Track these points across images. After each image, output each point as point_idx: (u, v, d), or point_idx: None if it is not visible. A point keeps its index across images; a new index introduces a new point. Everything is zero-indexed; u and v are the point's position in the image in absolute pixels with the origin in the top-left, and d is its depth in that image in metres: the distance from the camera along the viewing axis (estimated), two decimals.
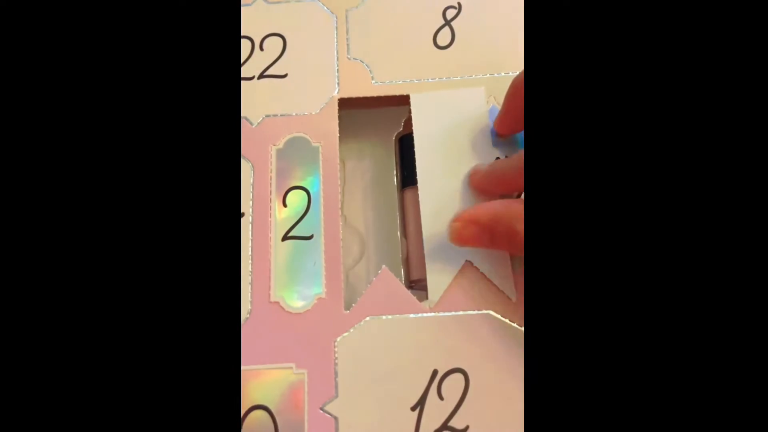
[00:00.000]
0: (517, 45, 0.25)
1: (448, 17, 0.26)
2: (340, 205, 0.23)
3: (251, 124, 0.25)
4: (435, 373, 0.21)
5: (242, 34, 0.26)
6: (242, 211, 0.23)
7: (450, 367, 0.21)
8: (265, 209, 0.23)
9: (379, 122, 0.27)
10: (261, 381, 0.21)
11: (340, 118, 0.25)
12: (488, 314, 0.22)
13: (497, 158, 0.23)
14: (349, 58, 0.26)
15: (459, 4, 0.26)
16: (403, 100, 0.25)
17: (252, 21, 0.26)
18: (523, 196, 0.23)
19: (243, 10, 0.27)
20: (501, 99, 0.24)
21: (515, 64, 0.25)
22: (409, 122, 0.26)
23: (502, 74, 0.25)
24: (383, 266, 0.23)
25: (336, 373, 0.21)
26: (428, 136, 0.24)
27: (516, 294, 0.22)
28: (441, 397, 0.21)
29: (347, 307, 0.22)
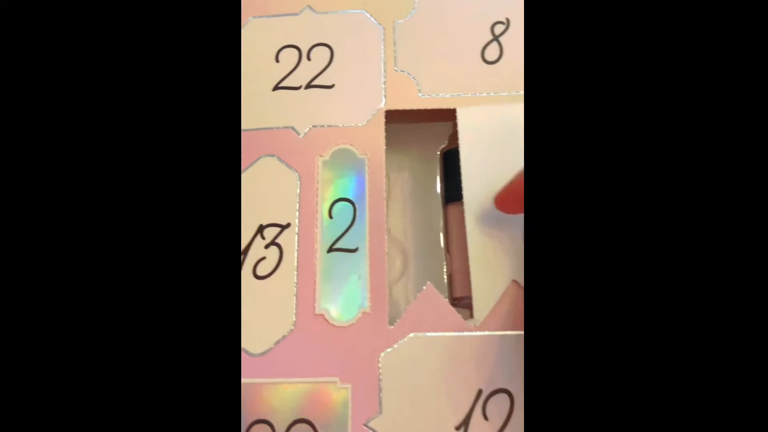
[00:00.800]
0: None
1: (497, 32, 0.26)
2: (385, 219, 0.23)
3: (298, 134, 0.25)
4: (480, 392, 0.21)
5: (290, 43, 0.26)
6: (288, 221, 0.23)
7: (495, 387, 0.21)
8: (311, 220, 0.23)
9: (422, 136, 0.27)
10: (304, 395, 0.21)
11: (386, 130, 0.25)
12: None
13: None
14: (396, 70, 0.26)
15: (507, 19, 0.26)
16: (449, 115, 0.25)
17: (299, 30, 0.26)
18: None
19: (291, 19, 0.27)
20: None
21: None
22: (454, 137, 0.26)
23: None
24: (428, 283, 0.23)
25: (380, 389, 0.21)
26: (475, 151, 0.24)
27: None
28: (486, 418, 0.21)
29: (391, 322, 0.22)
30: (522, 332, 0.22)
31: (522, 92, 0.25)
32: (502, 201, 0.22)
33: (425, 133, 0.27)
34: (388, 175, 0.26)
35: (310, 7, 0.27)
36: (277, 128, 0.25)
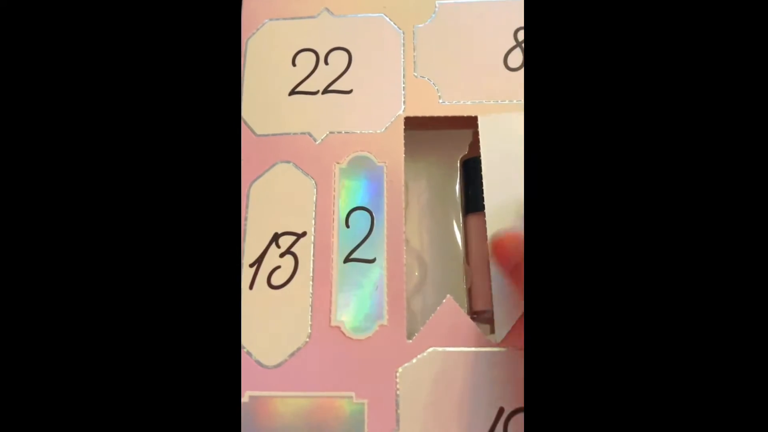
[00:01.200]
0: None
1: (520, 38, 0.25)
2: (404, 229, 0.23)
3: (315, 140, 0.24)
4: (501, 411, 0.20)
5: (307, 46, 0.26)
6: (304, 230, 0.23)
7: (517, 405, 0.20)
8: (328, 229, 0.23)
9: (441, 144, 0.27)
10: (319, 409, 0.21)
11: (404, 137, 0.24)
12: None
13: None
14: (415, 76, 0.25)
15: None
16: (470, 123, 0.24)
17: (317, 33, 0.26)
18: None
19: (308, 22, 0.26)
20: None
21: None
22: (474, 145, 0.25)
23: None
24: (448, 296, 0.22)
25: (397, 405, 0.21)
26: (496, 159, 0.23)
27: None
28: None
29: (409, 335, 0.21)
30: None
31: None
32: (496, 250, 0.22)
33: (444, 141, 0.27)
34: (406, 184, 0.25)
35: (327, 9, 0.26)
36: (294, 134, 0.24)
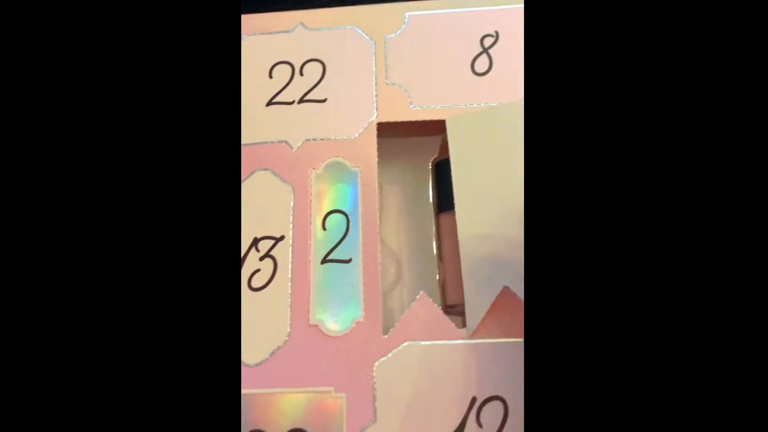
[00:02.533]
0: None
1: (486, 45, 0.27)
2: (378, 229, 0.24)
3: (291, 147, 0.25)
4: (474, 400, 0.21)
5: (283, 59, 0.27)
6: (282, 234, 0.24)
7: (489, 394, 0.21)
8: (305, 232, 0.24)
9: (415, 149, 0.28)
10: (300, 404, 0.21)
11: (378, 143, 0.25)
12: None
13: None
14: (387, 83, 0.26)
15: (496, 32, 0.27)
16: (440, 128, 0.25)
17: (292, 47, 0.27)
18: None
19: (284, 36, 0.27)
20: None
21: None
22: (444, 147, 0.26)
23: None
24: (421, 292, 0.23)
25: (374, 398, 0.21)
26: (465, 159, 0.24)
27: None
28: (480, 425, 0.21)
29: (385, 331, 0.22)
30: (515, 339, 0.22)
31: (513, 101, 0.25)
32: None
33: (418, 147, 0.28)
34: (381, 187, 0.26)
35: (302, 24, 0.28)
36: (271, 142, 0.25)
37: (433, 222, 0.27)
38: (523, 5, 0.27)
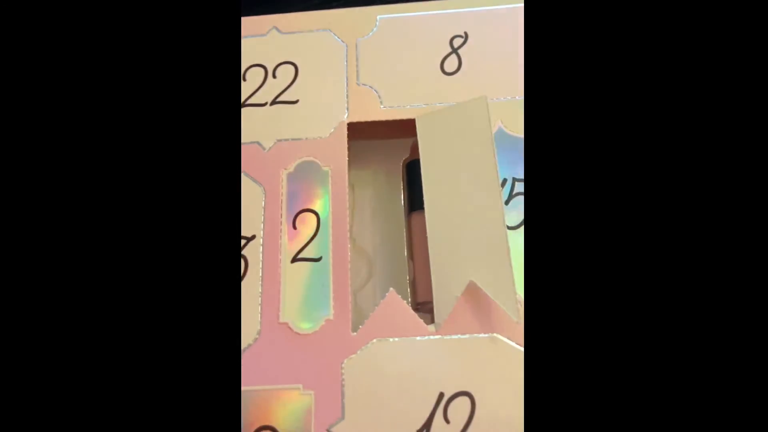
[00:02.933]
0: (520, 70, 0.26)
1: (455, 45, 0.27)
2: (348, 228, 0.24)
3: (263, 148, 0.26)
4: (441, 396, 0.21)
5: (256, 62, 0.27)
6: (253, 233, 0.24)
7: (456, 390, 0.21)
8: (276, 232, 0.24)
9: (388, 151, 0.28)
10: (269, 402, 0.22)
11: (351, 146, 0.25)
12: (494, 336, 0.22)
13: (502, 179, 0.24)
14: (358, 84, 0.26)
15: (465, 33, 0.27)
16: (411, 130, 0.26)
17: (266, 50, 0.27)
18: None
19: (257, 39, 0.28)
20: (508, 123, 0.25)
21: (518, 89, 0.26)
22: (415, 148, 0.27)
23: (508, 98, 0.26)
24: (390, 289, 0.23)
25: (343, 395, 0.21)
26: (434, 157, 0.25)
27: (520, 316, 0.22)
28: (447, 420, 0.21)
29: (354, 329, 0.23)
30: (482, 335, 0.22)
31: (479, 96, 0.25)
32: None
33: (390, 149, 0.28)
34: (352, 187, 0.26)
35: (276, 28, 0.28)
36: (244, 143, 0.26)
37: (404, 222, 0.27)
38: (492, 8, 0.27)
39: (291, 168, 0.25)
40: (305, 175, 0.25)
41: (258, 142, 0.26)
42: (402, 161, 0.28)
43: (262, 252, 0.24)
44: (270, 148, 0.26)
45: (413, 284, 0.25)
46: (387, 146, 0.28)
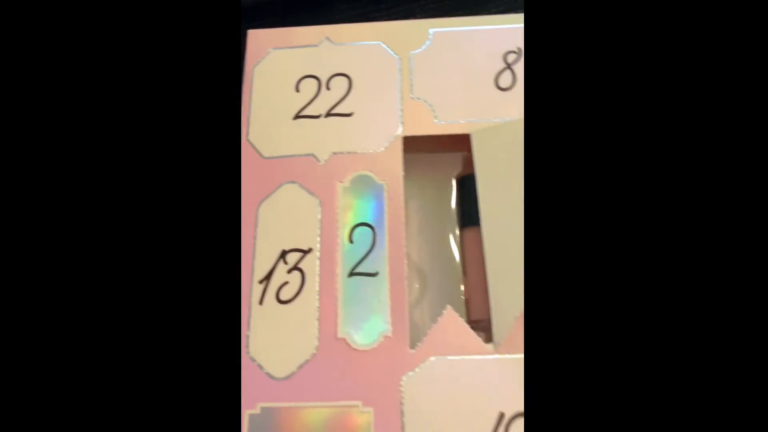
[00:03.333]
0: None
1: (510, 61, 0.27)
2: (404, 243, 0.24)
3: (318, 161, 0.25)
4: (502, 416, 0.21)
5: (309, 73, 0.27)
6: (309, 246, 0.24)
7: (516, 411, 0.21)
8: (333, 245, 0.24)
9: (436, 164, 0.28)
10: (328, 418, 0.21)
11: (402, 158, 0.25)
12: None
13: None
14: (412, 98, 0.26)
15: (519, 49, 0.27)
16: (463, 144, 0.26)
17: (319, 61, 0.27)
18: None
19: (310, 50, 0.28)
20: None
21: None
22: (468, 162, 0.27)
23: None
24: (448, 306, 0.23)
25: (402, 413, 0.21)
26: (490, 172, 0.25)
27: None
28: None
29: (412, 345, 0.22)
30: None
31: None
32: None
33: (440, 162, 0.28)
34: (405, 201, 0.26)
35: (328, 38, 0.28)
36: (299, 156, 0.26)
37: (456, 237, 0.27)
38: None
39: (346, 182, 0.25)
40: (360, 188, 0.25)
41: (313, 155, 0.26)
42: (454, 176, 0.28)
43: (320, 265, 0.24)
44: (325, 161, 0.25)
45: (467, 302, 0.25)
46: (435, 159, 0.28)
